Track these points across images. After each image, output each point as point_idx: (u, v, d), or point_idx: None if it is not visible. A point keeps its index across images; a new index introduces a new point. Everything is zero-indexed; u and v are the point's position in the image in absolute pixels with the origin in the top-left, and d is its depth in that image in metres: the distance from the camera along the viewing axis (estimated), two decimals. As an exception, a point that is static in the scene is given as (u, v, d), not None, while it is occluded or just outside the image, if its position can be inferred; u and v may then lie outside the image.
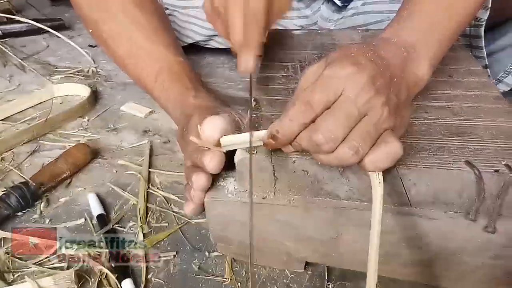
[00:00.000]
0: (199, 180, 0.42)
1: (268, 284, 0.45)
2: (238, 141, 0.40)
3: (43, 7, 1.29)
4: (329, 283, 0.45)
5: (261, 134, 0.38)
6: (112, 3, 0.63)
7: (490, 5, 0.57)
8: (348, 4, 0.73)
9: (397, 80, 0.38)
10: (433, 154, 0.38)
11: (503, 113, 0.43)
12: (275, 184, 0.41)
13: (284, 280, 0.46)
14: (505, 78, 0.67)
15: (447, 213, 0.38)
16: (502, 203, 0.37)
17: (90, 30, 0.65)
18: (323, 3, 0.76)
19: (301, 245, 0.44)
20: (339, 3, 0.73)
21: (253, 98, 0.48)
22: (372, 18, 0.72)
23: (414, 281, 0.45)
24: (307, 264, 0.47)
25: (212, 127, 0.42)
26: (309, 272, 0.47)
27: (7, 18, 1.08)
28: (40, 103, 0.78)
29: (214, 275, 0.46)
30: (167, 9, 0.81)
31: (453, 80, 0.50)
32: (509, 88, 0.68)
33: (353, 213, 0.40)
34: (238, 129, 0.45)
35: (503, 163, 0.36)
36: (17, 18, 1.07)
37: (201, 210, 0.44)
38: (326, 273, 0.46)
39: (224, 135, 0.41)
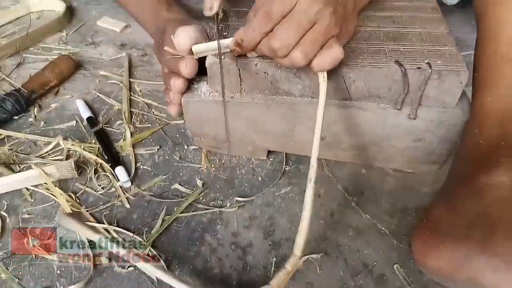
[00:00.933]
0: (177, 84, 0.49)
1: (237, 169, 0.55)
2: (208, 48, 0.46)
3: None
4: (286, 166, 0.55)
5: (228, 42, 0.44)
6: None
7: None
8: None
9: None
10: (370, 56, 0.45)
11: (435, 21, 0.51)
12: (241, 85, 0.48)
13: (251, 166, 0.55)
14: (454, -9, 0.73)
15: (379, 104, 0.47)
16: (422, 95, 0.46)
17: None
18: None
19: (263, 137, 0.53)
20: None
21: (221, 9, 0.53)
22: None
23: (354, 162, 0.55)
24: (269, 152, 0.56)
25: (184, 36, 0.46)
26: (270, 159, 0.56)
27: None
28: (17, 18, 0.81)
29: (192, 163, 0.56)
30: None
31: (400, -8, 0.56)
32: (457, 1, 0.74)
33: (305, 108, 0.48)
34: (208, 38, 0.51)
35: (426, 61, 0.44)
36: None
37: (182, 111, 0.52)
38: (285, 159, 0.56)
39: (196, 44, 0.47)
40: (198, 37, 0.47)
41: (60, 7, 0.81)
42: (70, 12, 0.82)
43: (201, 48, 0.46)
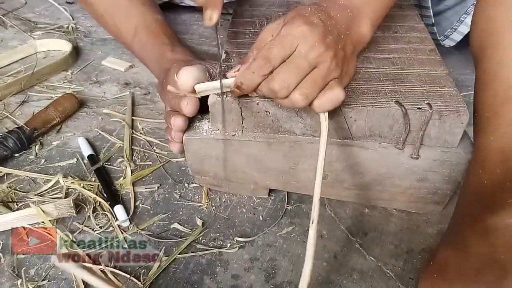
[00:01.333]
0: (177, 122, 0.49)
1: (238, 208, 0.54)
2: (210, 87, 0.47)
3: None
4: (288, 205, 0.54)
5: (229, 82, 0.45)
6: None
7: None
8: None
9: (343, 37, 0.44)
10: (371, 97, 0.46)
11: (433, 63, 0.52)
12: (242, 123, 0.48)
13: (252, 205, 0.55)
14: (451, 34, 0.75)
15: (381, 144, 0.47)
16: (424, 135, 0.46)
17: None
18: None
19: (265, 175, 0.53)
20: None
21: (224, 51, 0.55)
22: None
23: (357, 202, 0.54)
24: (271, 191, 0.55)
25: (187, 76, 0.47)
26: (272, 198, 0.55)
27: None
28: (24, 57, 0.82)
29: (193, 201, 0.55)
30: None
31: (398, 35, 0.58)
32: (454, 43, 0.76)
33: (307, 146, 0.48)
34: (210, 78, 0.51)
35: (426, 102, 0.45)
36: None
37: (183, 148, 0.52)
38: (286, 198, 0.55)
39: (198, 83, 0.47)
40: (201, 77, 0.48)
41: (67, 47, 0.83)
42: (76, 52, 0.84)
43: (203, 87, 0.47)
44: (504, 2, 0.47)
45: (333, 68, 0.41)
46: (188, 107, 0.48)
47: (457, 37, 0.74)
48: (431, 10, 0.70)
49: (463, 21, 0.72)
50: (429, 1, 0.68)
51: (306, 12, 0.42)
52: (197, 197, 0.56)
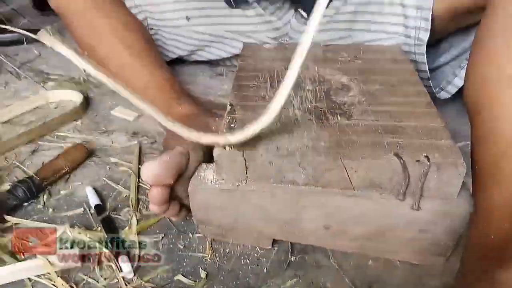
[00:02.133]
0: (152, 195, 0.50)
1: (242, 259, 0.54)
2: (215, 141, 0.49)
3: (32, 16, 1.35)
4: (292, 256, 0.55)
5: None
6: (102, 26, 0.72)
7: (430, 28, 0.68)
8: (314, 17, 0.83)
9: None
10: (370, 148, 0.48)
11: (430, 116, 0.53)
12: (246, 173, 0.50)
13: (255, 255, 0.55)
14: (446, 87, 0.78)
15: (382, 194, 0.48)
16: (423, 186, 0.47)
17: (86, 53, 0.74)
18: (293, 16, 0.86)
19: (269, 225, 0.53)
20: (305, 15, 0.82)
21: (229, 103, 0.57)
22: (335, 34, 0.82)
23: (360, 253, 0.55)
24: (274, 241, 0.56)
25: (145, 172, 0.49)
26: (275, 248, 0.56)
27: (0, 28, 1.14)
28: (36, 108, 0.86)
29: (196, 252, 0.55)
30: (152, 29, 0.89)
31: (394, 88, 0.60)
32: (450, 95, 0.79)
33: (310, 196, 0.50)
34: (177, 170, 0.51)
35: (424, 155, 0.46)
36: (10, 28, 1.13)
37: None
38: (290, 249, 0.55)
39: (158, 179, 0.49)
40: (161, 173, 0.49)
41: (78, 98, 0.86)
42: (86, 102, 0.88)
43: (208, 141, 0.49)
44: (497, 61, 0.49)
45: None
46: (152, 199, 0.50)
47: (453, 89, 0.77)
48: (426, 65, 0.73)
49: (457, 75, 0.75)
50: (425, 57, 0.72)
51: None
52: (201, 247, 0.56)
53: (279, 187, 0.50)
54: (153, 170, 0.49)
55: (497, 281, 0.38)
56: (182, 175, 0.53)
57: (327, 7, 0.79)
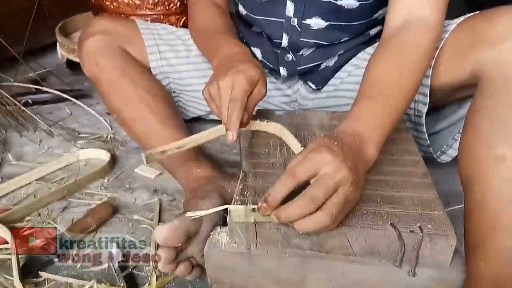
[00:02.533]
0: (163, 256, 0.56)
1: (252, 317, 0.58)
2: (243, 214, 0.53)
3: (64, 75, 1.47)
4: (298, 316, 0.58)
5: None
6: (130, 93, 0.81)
7: (428, 102, 0.74)
8: (322, 88, 0.91)
9: (357, 160, 0.52)
10: (370, 218, 0.52)
11: (425, 187, 0.58)
12: (256, 238, 0.55)
13: (265, 315, 0.59)
14: (447, 150, 0.83)
15: (380, 261, 0.53)
16: (418, 255, 0.51)
17: (114, 116, 0.83)
18: (302, 85, 0.94)
19: (277, 286, 0.58)
20: (313, 86, 0.91)
21: (242, 171, 0.63)
22: (341, 101, 0.89)
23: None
24: (283, 301, 0.60)
25: (156, 235, 0.56)
26: (284, 309, 0.60)
27: (35, 88, 1.26)
28: (67, 165, 0.94)
29: (210, 309, 0.60)
30: (174, 92, 0.98)
31: (394, 158, 0.66)
32: (451, 159, 0.83)
33: (314, 261, 0.54)
34: (185, 234, 0.58)
35: (417, 225, 0.51)
36: (44, 89, 1.25)
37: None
38: (297, 309, 0.59)
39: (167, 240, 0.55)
40: (170, 236, 0.56)
41: (105, 157, 0.94)
42: (113, 160, 0.96)
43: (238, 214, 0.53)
44: (488, 140, 0.54)
45: (351, 191, 0.47)
46: (160, 259, 0.56)
47: (453, 153, 0.81)
48: (426, 134, 0.79)
49: (457, 139, 0.80)
50: (424, 127, 0.78)
51: (325, 142, 0.50)
52: (214, 304, 0.60)
53: (286, 251, 0.54)
54: (162, 234, 0.55)
55: None
56: (195, 237, 0.58)
57: (333, 77, 0.86)
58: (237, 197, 0.57)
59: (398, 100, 0.61)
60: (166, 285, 0.63)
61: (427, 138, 0.78)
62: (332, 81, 0.90)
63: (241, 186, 0.59)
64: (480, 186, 0.53)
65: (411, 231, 0.50)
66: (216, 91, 0.60)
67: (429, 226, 0.51)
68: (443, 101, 0.80)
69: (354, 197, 0.49)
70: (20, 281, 0.59)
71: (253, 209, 0.50)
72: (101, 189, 0.86)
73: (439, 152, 0.83)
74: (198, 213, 0.53)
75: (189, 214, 0.53)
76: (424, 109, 0.75)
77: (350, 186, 0.47)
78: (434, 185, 0.59)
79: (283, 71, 0.88)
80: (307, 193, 0.46)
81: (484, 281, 0.47)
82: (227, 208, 0.55)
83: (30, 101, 1.21)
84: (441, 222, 0.51)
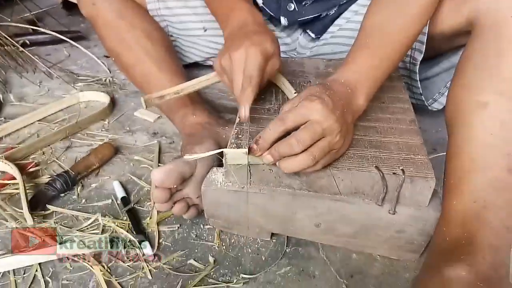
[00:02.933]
0: (156, 195, 0.60)
1: (245, 248, 0.64)
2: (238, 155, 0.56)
3: (60, 16, 1.45)
4: (287, 248, 0.64)
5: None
6: (128, 37, 0.81)
7: (424, 50, 0.75)
8: (320, 36, 0.91)
9: (346, 110, 0.54)
10: (356, 161, 0.56)
11: (411, 133, 0.61)
12: (250, 178, 0.59)
13: (256, 246, 0.64)
14: (439, 98, 0.84)
15: (364, 200, 0.57)
16: (399, 195, 0.55)
17: (113, 59, 0.84)
18: (301, 34, 0.94)
19: (268, 221, 0.62)
20: (313, 35, 0.91)
21: (238, 115, 0.66)
22: (338, 48, 0.90)
23: (346, 247, 0.64)
24: (273, 234, 0.65)
25: (153, 177, 0.58)
26: (273, 240, 0.65)
27: (32, 29, 1.24)
28: (68, 107, 0.96)
29: (206, 241, 0.65)
30: (172, 36, 0.98)
31: (384, 105, 0.68)
32: (442, 106, 0.85)
33: (303, 199, 0.58)
34: (179, 176, 0.60)
35: (400, 168, 0.55)
36: (41, 29, 1.24)
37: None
38: (286, 241, 0.65)
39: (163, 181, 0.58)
40: (165, 178, 0.58)
41: (105, 99, 0.96)
42: (112, 103, 0.98)
43: (232, 157, 0.56)
44: (473, 86, 0.56)
45: (337, 140, 0.51)
46: (155, 198, 0.60)
47: (444, 100, 0.83)
48: (418, 82, 0.80)
49: (448, 87, 0.82)
50: (417, 75, 0.79)
51: (317, 91, 0.52)
52: (210, 237, 0.66)
53: (277, 190, 0.59)
54: (158, 176, 0.58)
55: (446, 277, 0.46)
56: (190, 179, 0.62)
57: (331, 25, 0.85)
58: (233, 141, 0.60)
59: (395, 51, 0.61)
60: (166, 219, 0.68)
61: (419, 86, 0.80)
62: (330, 28, 0.90)
63: (236, 130, 0.62)
64: (461, 129, 0.56)
65: (394, 173, 0.54)
66: (229, 64, 0.59)
67: (411, 169, 0.54)
68: (438, 49, 0.81)
69: (340, 145, 0.52)
70: (29, 213, 0.63)
71: (247, 152, 0.53)
72: (102, 130, 0.89)
73: (430, 100, 0.85)
74: (194, 156, 0.57)
75: (186, 157, 0.56)
76: (420, 57, 0.76)
77: (336, 135, 0.51)
78: (420, 132, 0.62)
79: (283, 20, 0.87)
80: (294, 134, 0.49)
81: (453, 218, 0.52)
82: (222, 152, 0.58)
83: (27, 42, 1.20)
84: (423, 165, 0.55)
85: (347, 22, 0.88)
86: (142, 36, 0.84)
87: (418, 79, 0.80)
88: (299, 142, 0.49)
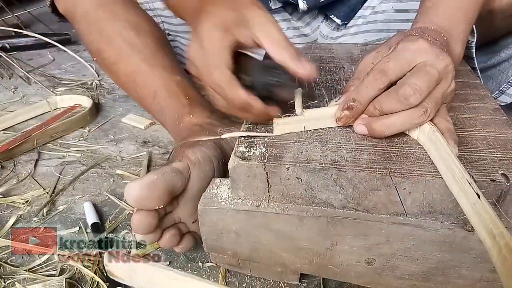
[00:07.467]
0: (135, 223, 0.41)
1: (262, 296, 0.45)
2: (291, 121, 0.42)
3: (51, 22, 1.33)
4: (324, 296, 0.45)
5: (331, 111, 0.41)
6: (109, 29, 0.65)
7: (475, 29, 0.58)
8: (348, 23, 0.74)
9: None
10: (429, 163, 0.38)
11: (500, 124, 0.43)
12: (269, 192, 0.40)
13: (278, 293, 0.45)
14: (508, 89, 0.67)
15: (443, 223, 0.38)
16: (500, 213, 0.36)
17: (94, 58, 0.68)
18: (322, 21, 0.77)
19: (295, 256, 0.43)
20: (338, 21, 0.74)
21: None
22: (372, 36, 0.73)
23: (412, 295, 0.44)
24: (302, 276, 0.47)
25: (127, 195, 0.41)
26: (304, 285, 0.46)
27: (14, 32, 1.11)
28: (44, 113, 0.80)
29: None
30: (170, 34, 0.83)
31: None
32: (511, 101, 0.67)
33: (348, 222, 0.40)
34: (167, 191, 0.43)
35: (500, 172, 0.36)
36: (24, 32, 1.10)
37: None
38: (322, 286, 0.45)
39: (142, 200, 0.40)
40: (145, 196, 0.41)
41: (87, 104, 0.80)
42: (97, 108, 0.81)
43: (283, 122, 0.42)
44: None
45: (452, 88, 0.40)
46: (135, 225, 0.41)
47: (515, 91, 0.66)
48: (478, 69, 0.62)
49: None
50: (475, 61, 0.61)
51: (413, 33, 0.42)
52: (212, 279, 0.47)
53: (309, 210, 0.40)
54: (134, 192, 0.40)
55: None
56: (181, 196, 0.44)
57: (361, 7, 0.71)
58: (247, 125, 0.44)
59: None
60: (150, 254, 0.49)
61: (479, 75, 0.62)
62: (360, 12, 0.72)
63: (249, 125, 0.44)
64: None
65: (492, 180, 0.35)
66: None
67: (516, 173, 0.36)
68: (498, 31, 0.64)
69: (451, 98, 0.42)
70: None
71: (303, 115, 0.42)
72: (79, 140, 0.72)
73: (497, 91, 0.68)
74: (228, 135, 0.43)
75: (222, 135, 0.44)
76: (473, 39, 0.59)
77: (452, 81, 0.40)
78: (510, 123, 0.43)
79: (302, 4, 0.71)
80: (406, 83, 0.38)
81: None
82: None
83: (7, 46, 1.07)
84: (534, 168, 0.36)
85: (381, 3, 0.71)
86: (125, 27, 0.67)
87: (476, 65, 0.62)
88: (416, 91, 0.37)
